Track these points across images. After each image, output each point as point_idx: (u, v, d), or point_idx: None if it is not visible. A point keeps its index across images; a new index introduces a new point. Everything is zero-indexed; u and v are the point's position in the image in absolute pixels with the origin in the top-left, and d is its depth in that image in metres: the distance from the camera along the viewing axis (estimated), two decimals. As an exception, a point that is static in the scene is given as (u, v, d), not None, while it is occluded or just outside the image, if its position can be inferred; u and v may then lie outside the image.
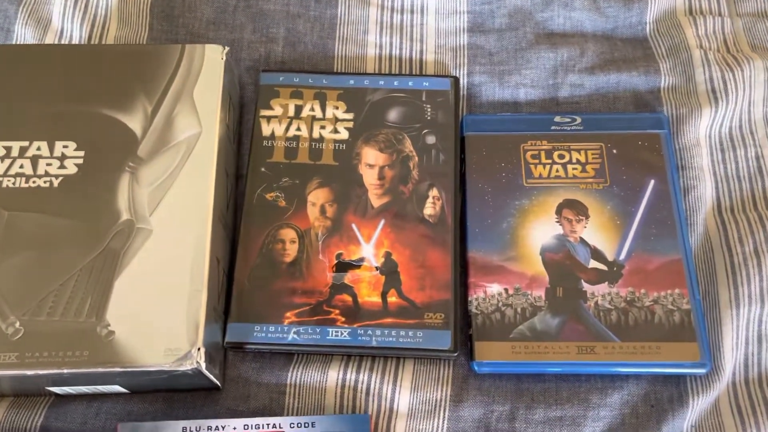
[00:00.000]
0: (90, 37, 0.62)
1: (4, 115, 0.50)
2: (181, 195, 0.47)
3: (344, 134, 0.55)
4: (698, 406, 0.48)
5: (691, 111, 0.58)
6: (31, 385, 0.45)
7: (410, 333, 0.48)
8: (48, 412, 0.48)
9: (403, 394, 0.48)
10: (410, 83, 0.58)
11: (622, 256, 0.52)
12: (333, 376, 0.48)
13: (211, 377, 0.45)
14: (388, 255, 0.51)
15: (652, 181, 0.55)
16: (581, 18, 0.64)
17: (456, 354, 0.48)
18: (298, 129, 0.56)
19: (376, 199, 0.53)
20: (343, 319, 0.48)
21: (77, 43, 0.62)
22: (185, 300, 0.44)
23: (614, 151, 0.56)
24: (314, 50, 0.62)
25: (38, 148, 0.49)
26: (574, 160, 0.56)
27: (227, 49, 0.54)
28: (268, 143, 0.55)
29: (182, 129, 0.49)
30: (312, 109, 0.56)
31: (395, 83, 0.58)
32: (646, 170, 0.55)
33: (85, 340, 0.42)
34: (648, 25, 0.64)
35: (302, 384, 0.48)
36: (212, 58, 0.53)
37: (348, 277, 0.50)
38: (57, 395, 0.49)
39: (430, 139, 0.55)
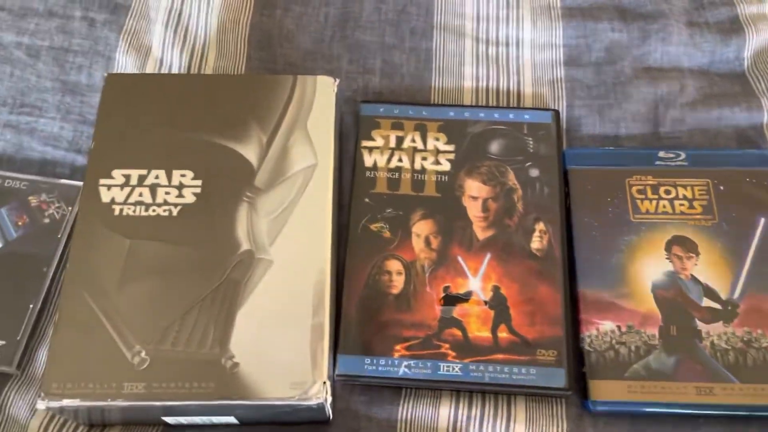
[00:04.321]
0: (189, 67, 0.64)
1: (122, 143, 0.51)
2: (300, 226, 0.47)
3: (446, 166, 0.55)
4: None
5: (800, 148, 0.57)
6: (147, 415, 0.45)
7: (523, 370, 0.47)
8: (158, 441, 0.48)
9: (517, 430, 0.47)
10: (511, 116, 0.58)
11: (736, 295, 0.51)
12: (444, 412, 0.48)
13: (329, 410, 0.44)
14: (496, 289, 0.50)
15: (763, 219, 0.53)
16: (678, 53, 0.63)
17: (570, 392, 0.47)
18: (400, 160, 0.56)
19: (480, 232, 0.52)
20: (454, 353, 0.48)
21: (176, 70, 0.63)
22: (308, 332, 0.44)
23: (721, 187, 0.55)
24: (411, 81, 0.63)
25: (156, 177, 0.50)
26: (680, 196, 0.55)
27: (338, 81, 0.54)
28: (370, 174, 0.55)
29: (298, 160, 0.50)
30: (413, 140, 0.57)
31: (495, 115, 0.58)
32: (756, 208, 0.54)
33: (210, 372, 0.43)
34: (746, 60, 0.63)
35: (413, 420, 0.48)
36: (324, 90, 0.53)
37: (457, 311, 0.49)
38: (167, 425, 0.49)
39: (534, 172, 0.55)
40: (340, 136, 0.61)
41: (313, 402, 0.42)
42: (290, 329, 0.44)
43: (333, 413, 0.49)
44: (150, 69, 0.64)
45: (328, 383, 0.43)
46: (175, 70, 0.63)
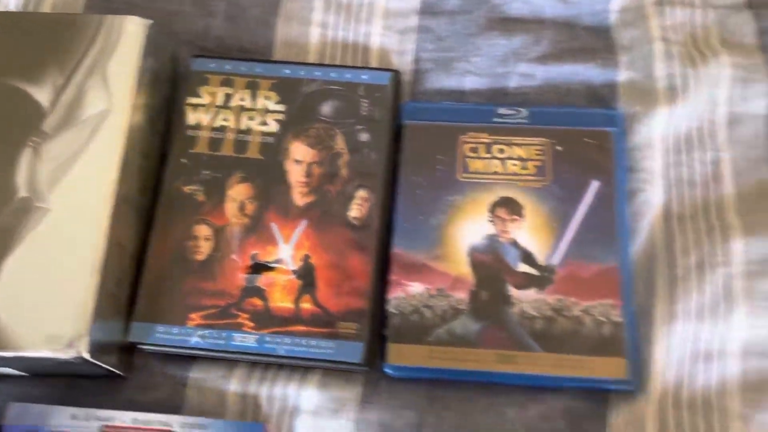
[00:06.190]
0: (26, 3, 0.59)
1: None
2: (84, 175, 0.46)
3: (273, 127, 0.53)
4: (621, 426, 0.46)
5: (647, 109, 0.54)
6: None
7: (321, 343, 0.46)
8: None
9: (309, 391, 0.47)
10: (348, 75, 0.55)
11: (555, 261, 0.49)
12: (238, 373, 0.47)
13: (107, 366, 0.44)
14: (306, 258, 0.49)
15: (596, 183, 0.52)
16: (541, 3, 0.60)
17: (367, 368, 0.46)
18: (225, 119, 0.53)
19: (300, 198, 0.50)
20: (252, 324, 0.47)
21: (13, 7, 0.59)
22: (75, 284, 0.43)
23: (559, 147, 0.53)
24: (255, 26, 0.59)
25: None
26: (514, 156, 0.53)
27: (149, 22, 0.51)
28: (192, 133, 0.53)
29: (91, 105, 0.47)
30: (242, 99, 0.54)
31: (332, 75, 0.55)
32: (590, 170, 0.52)
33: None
34: (613, 13, 0.59)
35: (205, 380, 0.47)
36: (131, 32, 0.50)
37: (261, 280, 0.48)
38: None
39: (364, 136, 0.52)
40: (174, 86, 0.57)
41: (69, 356, 0.41)
42: (57, 280, 0.43)
43: (130, 369, 0.48)
44: (-17, 6, 0.59)
45: (87, 338, 0.42)
46: (12, 6, 0.59)
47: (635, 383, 0.46)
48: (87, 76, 0.48)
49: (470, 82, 0.57)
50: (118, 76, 0.48)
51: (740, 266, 0.49)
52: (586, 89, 0.57)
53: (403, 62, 0.58)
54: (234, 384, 0.47)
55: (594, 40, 0.58)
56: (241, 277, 0.48)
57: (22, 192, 0.45)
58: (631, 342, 0.47)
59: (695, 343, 0.47)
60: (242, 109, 0.53)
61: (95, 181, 0.45)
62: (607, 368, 0.46)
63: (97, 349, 0.43)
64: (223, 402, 0.47)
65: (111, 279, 0.45)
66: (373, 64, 0.58)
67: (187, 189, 0.51)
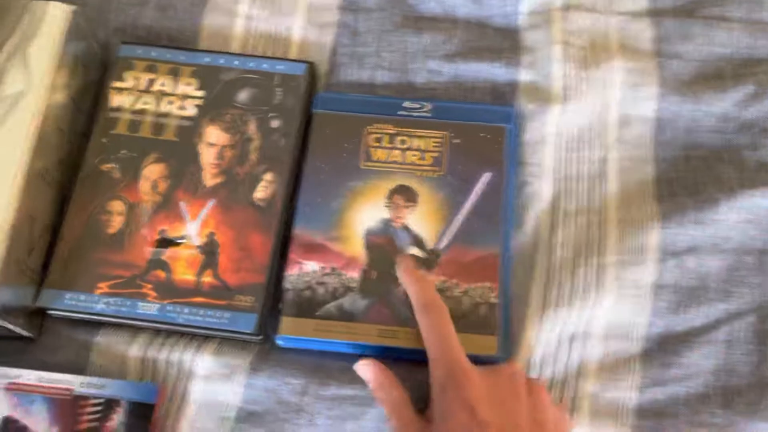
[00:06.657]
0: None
1: None
2: None
3: (191, 111, 0.57)
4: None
5: (541, 107, 0.59)
6: None
7: (218, 313, 0.50)
8: None
9: (204, 358, 0.51)
10: (265, 65, 0.58)
11: (442, 245, 0.54)
12: (140, 339, 0.52)
13: (13, 328, 0.48)
14: (210, 235, 0.53)
15: (487, 174, 0.56)
16: (454, 3, 0.63)
17: (260, 337, 0.51)
18: (146, 103, 0.57)
19: (209, 179, 0.54)
20: (155, 294, 0.51)
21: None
22: None
23: (456, 140, 0.57)
24: (183, 16, 0.63)
25: None
26: (414, 147, 0.57)
27: (73, 8, 0.54)
28: (114, 114, 0.56)
29: (11, 85, 0.51)
30: (163, 84, 0.57)
31: (250, 64, 0.58)
32: (483, 162, 0.56)
33: None
34: (521, 15, 0.63)
35: (108, 344, 0.51)
36: (54, 16, 0.53)
37: (167, 254, 0.52)
38: None
39: (275, 123, 0.56)
40: (105, 70, 0.61)
41: None
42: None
43: (40, 331, 0.52)
44: None
45: None
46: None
47: (504, 359, 0.51)
48: (9, 58, 0.52)
49: (381, 76, 0.61)
50: (38, 58, 0.52)
51: (613, 257, 0.54)
52: (491, 87, 0.61)
53: (321, 55, 0.62)
54: (135, 349, 0.51)
55: (501, 41, 0.62)
56: (148, 251, 0.52)
57: None
58: (503, 322, 0.52)
59: (564, 326, 0.52)
60: (163, 93, 0.57)
61: (7, 155, 0.49)
62: (479, 345, 0.51)
63: (2, 311, 0.47)
64: (125, 365, 0.51)
65: (20, 247, 0.48)
66: (294, 56, 0.62)
67: (104, 167, 0.54)
